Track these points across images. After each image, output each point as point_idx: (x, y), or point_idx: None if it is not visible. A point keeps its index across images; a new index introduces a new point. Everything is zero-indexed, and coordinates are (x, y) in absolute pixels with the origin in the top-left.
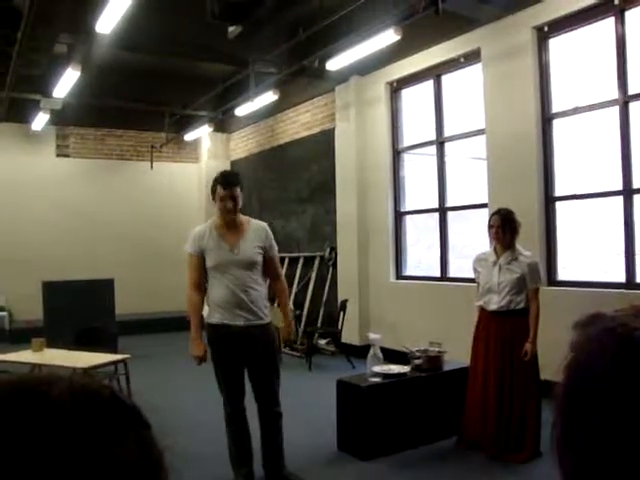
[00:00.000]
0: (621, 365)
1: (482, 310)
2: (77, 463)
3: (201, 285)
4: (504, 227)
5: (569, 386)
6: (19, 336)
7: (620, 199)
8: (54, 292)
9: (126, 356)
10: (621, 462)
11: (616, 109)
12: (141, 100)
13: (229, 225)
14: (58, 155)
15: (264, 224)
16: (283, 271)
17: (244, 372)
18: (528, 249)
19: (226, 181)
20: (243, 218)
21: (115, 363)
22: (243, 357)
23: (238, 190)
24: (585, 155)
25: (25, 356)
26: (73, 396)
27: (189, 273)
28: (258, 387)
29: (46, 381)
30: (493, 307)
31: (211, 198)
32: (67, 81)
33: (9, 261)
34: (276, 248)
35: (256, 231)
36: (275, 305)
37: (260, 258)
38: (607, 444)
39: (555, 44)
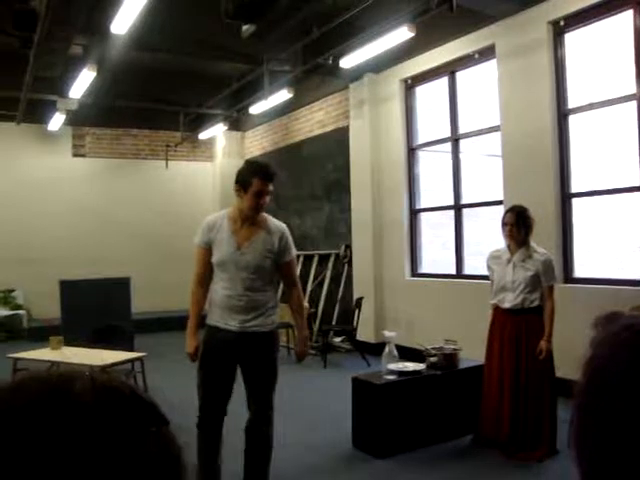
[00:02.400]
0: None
1: (496, 308)
2: (100, 459)
3: (205, 280)
4: (518, 224)
5: (588, 383)
6: (37, 334)
7: (638, 195)
8: (71, 291)
9: (142, 354)
10: (638, 457)
11: (634, 104)
12: (156, 99)
13: (245, 221)
14: (74, 155)
15: (283, 226)
16: (298, 269)
17: (231, 380)
18: (544, 246)
19: (268, 174)
20: (261, 216)
21: (132, 361)
22: (232, 366)
23: (272, 185)
24: (602, 151)
25: (43, 354)
26: (95, 393)
27: (195, 266)
28: (250, 395)
29: (68, 378)
30: (507, 305)
31: (236, 190)
32: (83, 82)
33: (27, 260)
34: (293, 254)
35: (272, 232)
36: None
37: (268, 263)
38: (624, 440)
39: (571, 39)
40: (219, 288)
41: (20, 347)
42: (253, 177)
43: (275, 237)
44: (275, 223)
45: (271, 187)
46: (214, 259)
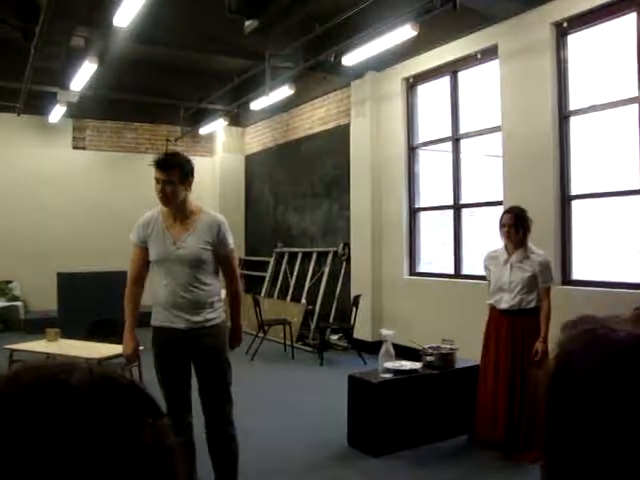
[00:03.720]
0: (597, 365)
1: (493, 309)
2: (96, 448)
3: (141, 279)
4: (516, 225)
5: (552, 379)
6: (34, 326)
7: (637, 198)
8: (69, 283)
9: (139, 348)
10: (596, 455)
11: (635, 107)
12: (157, 93)
13: (177, 215)
14: (74, 147)
15: (219, 217)
16: (296, 265)
17: (186, 380)
18: (542, 248)
19: (159, 162)
20: (195, 208)
21: None
22: (186, 364)
23: (177, 174)
24: (602, 153)
25: (40, 346)
26: (92, 383)
27: (130, 266)
28: (204, 401)
29: (66, 369)
30: (504, 306)
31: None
32: (84, 74)
33: (25, 252)
34: (231, 245)
35: (207, 224)
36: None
37: (208, 256)
38: (581, 431)
39: (574, 40)
40: (159, 287)
41: (16, 338)
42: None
43: (212, 229)
44: (211, 215)
45: (166, 176)
46: (151, 257)
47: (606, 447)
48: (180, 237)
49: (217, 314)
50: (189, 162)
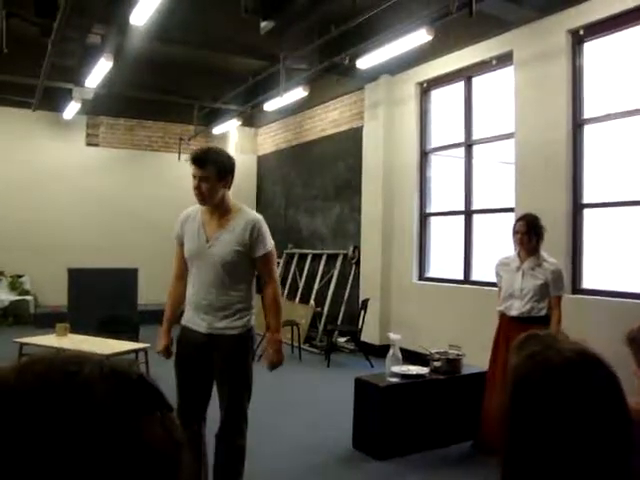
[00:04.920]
0: (538, 385)
1: (503, 315)
2: (106, 439)
3: (183, 275)
4: (529, 233)
5: (510, 402)
6: (44, 321)
7: None
8: (79, 279)
9: (147, 345)
10: (542, 450)
11: None
12: (171, 92)
13: (214, 212)
14: (88, 144)
15: (256, 217)
16: (306, 267)
17: (204, 386)
18: (553, 256)
19: (192, 157)
20: (234, 206)
21: (136, 351)
22: (205, 370)
23: (209, 171)
24: (616, 163)
25: (49, 340)
26: (102, 376)
27: (174, 262)
28: (221, 407)
29: (76, 361)
30: (514, 313)
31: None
32: (99, 71)
33: (36, 246)
34: (269, 247)
35: (243, 224)
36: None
37: (240, 258)
38: (528, 434)
39: (590, 48)
40: (190, 285)
41: (26, 332)
42: None
43: (247, 229)
44: (248, 214)
45: (202, 173)
46: (185, 253)
47: (548, 446)
48: (214, 235)
49: (242, 323)
50: (229, 158)
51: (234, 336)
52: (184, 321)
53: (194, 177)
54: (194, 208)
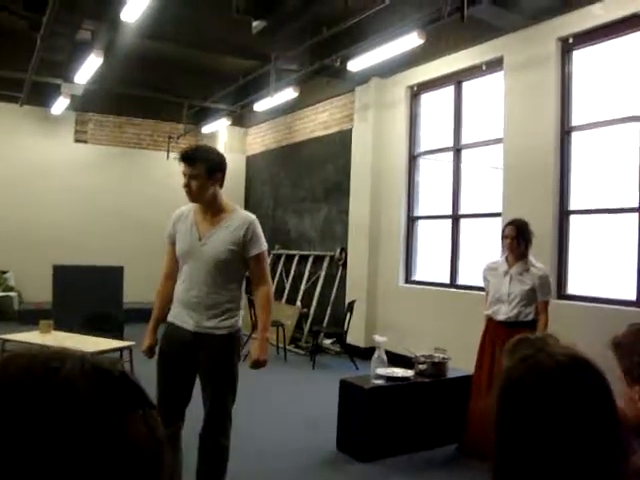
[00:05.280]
0: (531, 388)
1: (490, 319)
2: (86, 436)
3: (173, 275)
4: (518, 238)
5: (500, 399)
6: (27, 317)
7: (635, 216)
8: (64, 276)
9: (131, 343)
10: (532, 451)
11: (636, 125)
12: (161, 90)
13: (207, 210)
14: (76, 140)
15: (249, 217)
16: (293, 268)
17: (186, 384)
18: (539, 261)
19: (185, 155)
20: (227, 206)
21: (120, 350)
22: (188, 368)
23: (199, 168)
24: (602, 170)
25: (32, 337)
26: (84, 373)
27: (164, 261)
28: (205, 406)
29: (58, 357)
30: (501, 317)
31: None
32: (89, 67)
33: (21, 242)
34: (262, 248)
35: (236, 224)
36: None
37: (233, 257)
38: (518, 434)
39: (579, 56)
40: (179, 282)
41: (9, 329)
42: None
43: (240, 228)
44: (242, 214)
45: (192, 170)
46: (177, 251)
47: (540, 449)
48: (207, 233)
49: (230, 323)
50: (219, 156)
51: (222, 336)
52: (171, 317)
53: (184, 175)
54: (187, 207)
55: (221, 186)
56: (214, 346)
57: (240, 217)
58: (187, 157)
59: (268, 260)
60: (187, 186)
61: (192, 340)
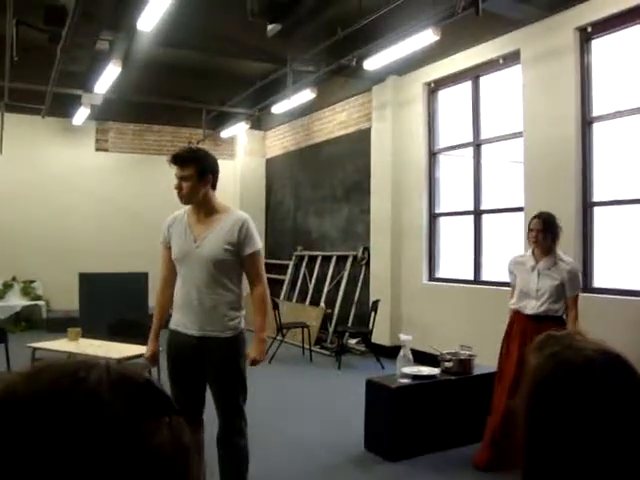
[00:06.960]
0: (560, 385)
1: (517, 313)
2: (114, 446)
3: (171, 281)
4: (545, 231)
5: (529, 397)
6: (56, 325)
7: None
8: (90, 283)
9: (158, 351)
10: (566, 455)
11: None
12: (179, 96)
13: (200, 212)
14: (97, 149)
15: (243, 216)
16: (316, 269)
17: (198, 388)
18: (568, 255)
19: (173, 157)
20: (221, 207)
21: None
22: (198, 373)
23: (190, 170)
24: (626, 160)
25: (61, 345)
26: (109, 381)
27: (160, 267)
28: (218, 409)
29: (84, 367)
30: (529, 312)
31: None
32: (108, 77)
33: (48, 251)
34: (257, 247)
35: (231, 223)
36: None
37: (229, 257)
38: (550, 430)
39: (598, 45)
40: (177, 287)
41: (38, 337)
42: None
43: (235, 228)
44: (236, 213)
45: (183, 172)
46: (172, 255)
47: (571, 446)
48: (201, 235)
49: (233, 325)
50: (209, 157)
51: (227, 339)
52: (173, 325)
53: (176, 177)
54: (181, 211)
55: (214, 188)
56: (220, 349)
57: (234, 217)
58: (178, 159)
59: (263, 260)
60: (178, 188)
61: (198, 345)
